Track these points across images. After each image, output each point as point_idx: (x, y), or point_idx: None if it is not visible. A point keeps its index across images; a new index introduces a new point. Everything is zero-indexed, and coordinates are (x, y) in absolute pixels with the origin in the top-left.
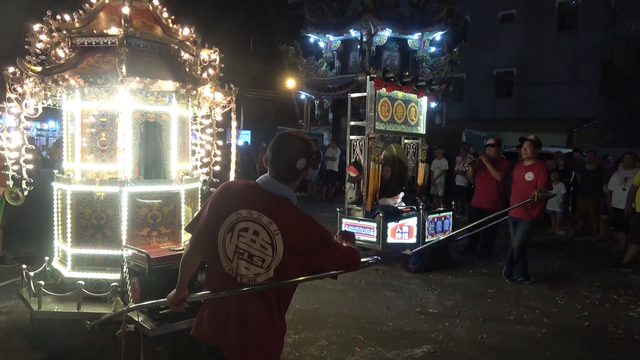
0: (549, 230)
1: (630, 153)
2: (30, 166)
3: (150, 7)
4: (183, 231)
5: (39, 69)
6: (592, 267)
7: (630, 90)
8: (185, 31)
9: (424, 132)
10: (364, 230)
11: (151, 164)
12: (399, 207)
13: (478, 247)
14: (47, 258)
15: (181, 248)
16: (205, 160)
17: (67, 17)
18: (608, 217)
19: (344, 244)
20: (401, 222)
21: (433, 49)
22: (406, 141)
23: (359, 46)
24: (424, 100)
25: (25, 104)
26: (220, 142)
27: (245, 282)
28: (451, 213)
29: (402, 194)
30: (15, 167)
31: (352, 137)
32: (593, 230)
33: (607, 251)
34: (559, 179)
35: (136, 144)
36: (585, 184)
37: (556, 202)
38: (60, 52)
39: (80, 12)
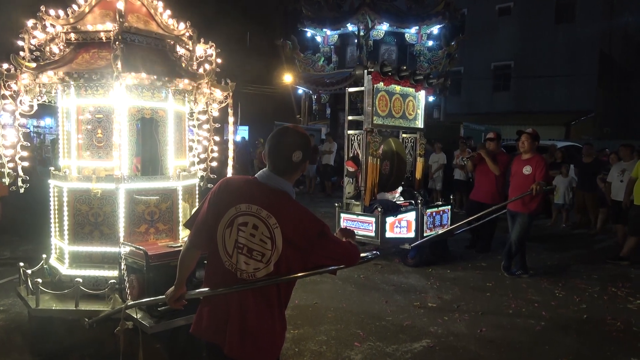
0: (548, 224)
1: (629, 145)
2: (26, 163)
3: (146, 2)
4: (181, 228)
5: (33, 65)
6: (590, 260)
7: (628, 82)
8: (181, 26)
9: (422, 126)
10: (362, 225)
11: (148, 161)
12: (398, 202)
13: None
14: (44, 256)
15: (179, 245)
16: (203, 156)
17: (61, 12)
18: (605, 209)
19: (343, 240)
20: (400, 216)
21: (430, 43)
22: (404, 135)
23: (356, 40)
24: (421, 94)
25: (20, 100)
26: (217, 138)
27: (245, 278)
28: (449, 207)
29: (400, 189)
30: (11, 165)
31: (350, 131)
32: (591, 223)
33: (605, 244)
34: (567, 172)
35: (133, 140)
36: (583, 177)
37: (565, 196)
38: (55, 48)
39: (75, 7)
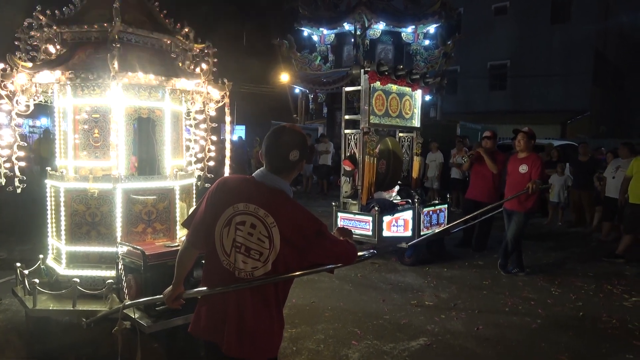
0: (544, 222)
1: (627, 144)
2: (23, 163)
3: (142, 2)
4: (178, 227)
5: (29, 65)
6: (586, 258)
7: (623, 81)
8: (178, 26)
9: (419, 126)
10: (359, 224)
11: (145, 160)
12: (394, 201)
13: (473, 239)
14: (41, 256)
15: (176, 244)
16: (200, 155)
17: (57, 12)
18: (601, 207)
19: (341, 239)
20: (396, 215)
21: (427, 42)
22: (401, 134)
23: (352, 40)
24: (418, 93)
25: (16, 100)
26: (214, 138)
27: (243, 277)
28: (446, 206)
29: (397, 188)
30: (8, 165)
31: (346, 131)
32: (587, 222)
33: (601, 242)
34: (563, 171)
35: (129, 140)
36: (579, 176)
37: (560, 194)
38: (51, 48)
39: (71, 6)
